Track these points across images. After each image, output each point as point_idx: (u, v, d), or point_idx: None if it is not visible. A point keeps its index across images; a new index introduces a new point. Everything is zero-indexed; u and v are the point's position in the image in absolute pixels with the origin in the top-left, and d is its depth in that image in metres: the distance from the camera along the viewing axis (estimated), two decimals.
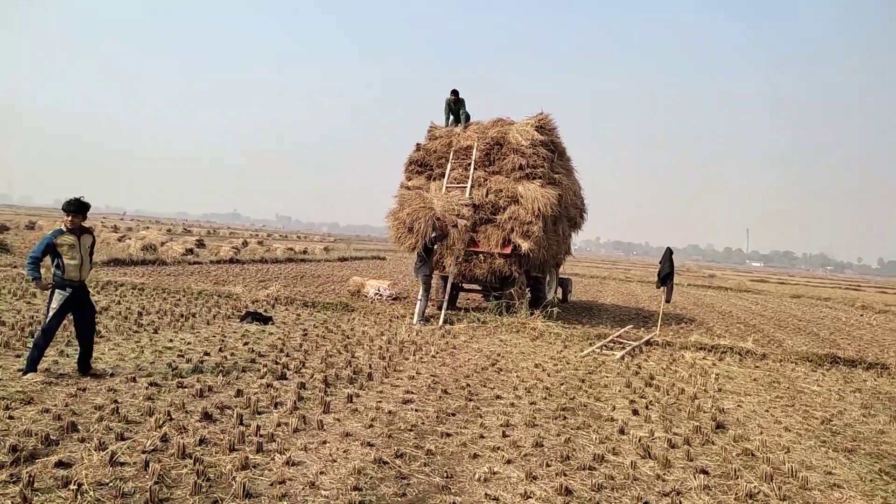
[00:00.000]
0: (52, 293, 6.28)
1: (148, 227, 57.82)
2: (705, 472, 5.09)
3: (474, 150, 14.20)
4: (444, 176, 14.22)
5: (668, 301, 13.11)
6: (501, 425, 5.87)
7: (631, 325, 14.11)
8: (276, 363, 7.67)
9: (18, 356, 6.92)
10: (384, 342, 9.81)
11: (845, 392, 9.04)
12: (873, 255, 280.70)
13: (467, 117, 15.02)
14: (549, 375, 8.49)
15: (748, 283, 45.76)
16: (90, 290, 12.89)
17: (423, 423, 5.75)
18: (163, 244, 29.73)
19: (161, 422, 5.05)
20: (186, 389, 6.13)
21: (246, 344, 8.71)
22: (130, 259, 21.07)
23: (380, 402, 6.34)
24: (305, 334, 9.97)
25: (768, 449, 5.87)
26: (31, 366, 6.20)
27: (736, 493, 4.69)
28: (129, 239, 30.37)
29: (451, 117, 15.28)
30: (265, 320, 10.81)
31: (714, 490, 4.75)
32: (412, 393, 6.80)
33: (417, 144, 14.86)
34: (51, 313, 6.22)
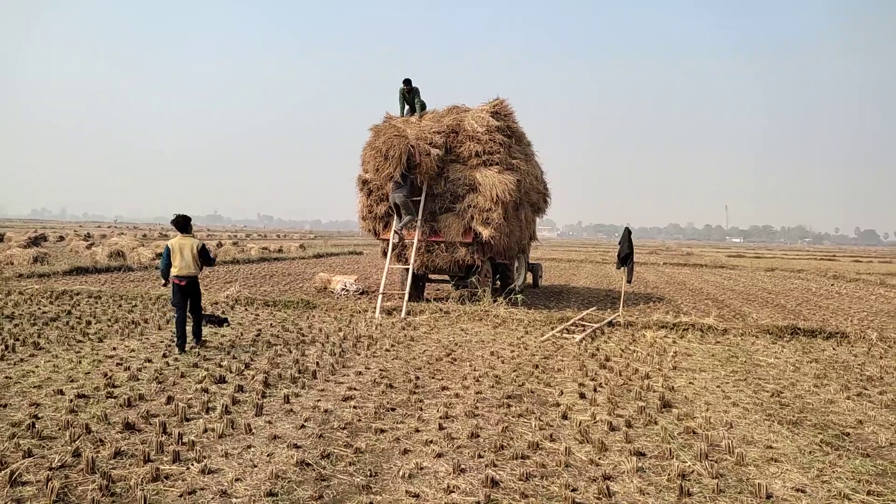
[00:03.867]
0: None
1: (123, 234, 57.07)
2: (641, 454, 5.00)
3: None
4: None
5: (629, 282, 13.06)
6: (440, 417, 5.74)
7: (595, 307, 14.08)
8: (220, 366, 7.49)
9: None
10: (339, 338, 9.64)
11: (802, 363, 9.03)
12: (850, 225, 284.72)
13: (423, 106, 14.81)
14: (503, 363, 8.39)
15: (724, 258, 46.11)
16: (49, 298, 12.66)
17: (358, 421, 5.61)
18: (133, 249, 29.28)
19: (76, 436, 4.86)
20: (115, 399, 5.93)
21: (193, 348, 8.50)
22: (95, 267, 20.67)
23: (319, 400, 6.19)
24: (259, 334, 9.78)
25: (711, 426, 5.81)
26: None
27: (668, 475, 4.60)
28: (98, 246, 29.89)
29: (406, 107, 15.06)
30: (220, 322, 10.60)
31: (647, 472, 4.67)
32: (355, 389, 6.65)
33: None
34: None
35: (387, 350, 8.92)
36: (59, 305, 12.12)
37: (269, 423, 5.47)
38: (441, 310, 12.62)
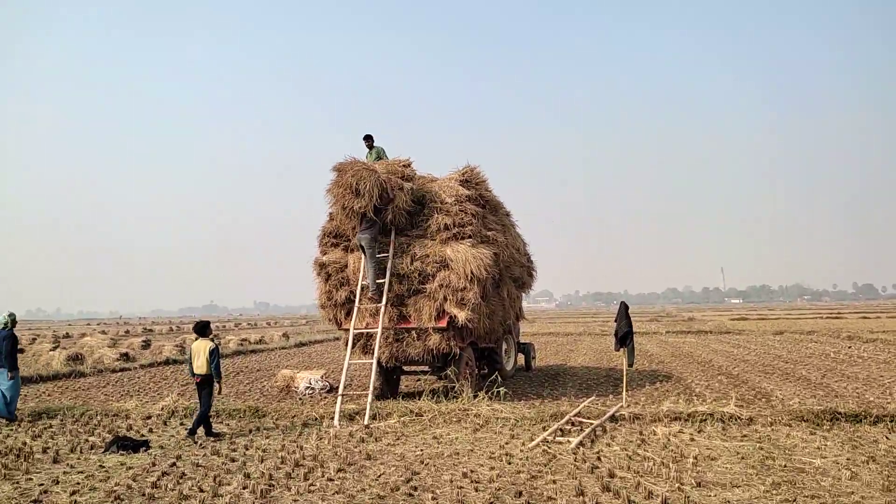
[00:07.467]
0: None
1: (105, 332, 54.71)
2: None
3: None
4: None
5: (630, 365, 11.22)
6: None
7: (595, 395, 12.16)
8: None
9: None
10: (276, 462, 7.71)
11: (857, 465, 7.14)
12: (847, 280, 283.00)
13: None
14: (477, 490, 6.48)
15: (728, 322, 44.28)
16: None
17: None
18: (95, 351, 27.21)
19: None
20: None
21: (74, 493, 6.55)
22: (39, 375, 18.62)
23: None
24: (175, 463, 7.83)
25: None
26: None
27: None
28: (59, 350, 27.84)
29: None
30: (136, 447, 8.65)
31: None
32: None
33: (330, 214, 13.07)
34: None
35: (329, 479, 6.98)
36: None
37: None
38: (412, 411, 10.69)
